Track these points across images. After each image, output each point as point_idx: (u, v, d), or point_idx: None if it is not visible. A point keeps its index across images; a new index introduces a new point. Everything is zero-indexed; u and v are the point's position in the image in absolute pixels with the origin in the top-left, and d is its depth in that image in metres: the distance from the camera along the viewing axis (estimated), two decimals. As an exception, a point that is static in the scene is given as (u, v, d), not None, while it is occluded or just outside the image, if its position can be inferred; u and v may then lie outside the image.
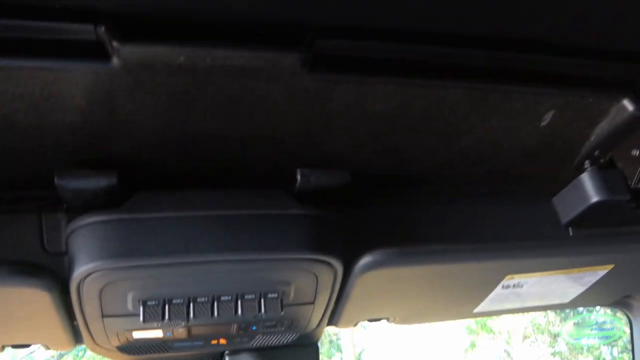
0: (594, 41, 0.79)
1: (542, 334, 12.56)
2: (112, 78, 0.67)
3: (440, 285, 1.01)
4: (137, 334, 0.98)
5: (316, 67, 0.71)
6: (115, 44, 0.63)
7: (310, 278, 0.90)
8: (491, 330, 12.87)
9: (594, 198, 0.97)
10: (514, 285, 1.03)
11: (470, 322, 13.04)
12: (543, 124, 0.92)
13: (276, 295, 0.90)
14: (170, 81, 0.69)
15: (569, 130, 0.95)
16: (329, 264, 0.88)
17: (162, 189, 0.86)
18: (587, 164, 1.02)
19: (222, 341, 1.09)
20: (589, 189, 0.99)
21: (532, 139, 0.96)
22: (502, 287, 1.03)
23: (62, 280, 0.82)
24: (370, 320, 1.16)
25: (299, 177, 0.89)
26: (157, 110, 0.74)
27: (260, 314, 0.89)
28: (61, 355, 12.10)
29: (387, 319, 1.16)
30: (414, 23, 0.70)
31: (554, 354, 12.35)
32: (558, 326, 12.37)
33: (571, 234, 1.07)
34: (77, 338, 1.01)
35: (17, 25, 0.61)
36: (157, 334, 0.99)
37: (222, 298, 0.88)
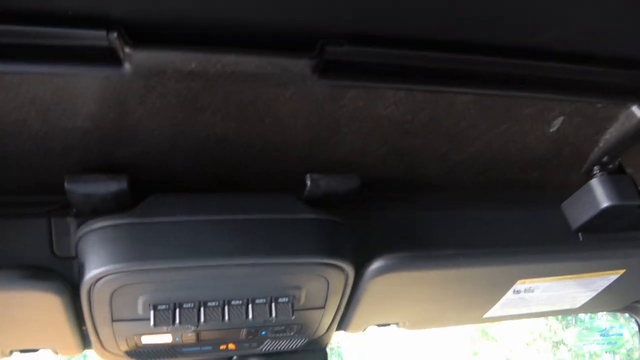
0: (603, 48, 0.79)
1: (545, 341, 12.51)
2: (123, 83, 0.67)
3: (450, 290, 1.00)
4: (146, 339, 0.97)
5: (326, 73, 0.72)
6: (127, 49, 0.63)
7: (322, 282, 0.90)
8: (493, 338, 12.82)
9: (605, 203, 0.98)
10: (524, 290, 1.03)
11: (471, 330, 13.00)
12: (552, 130, 0.92)
13: (287, 299, 0.89)
14: (180, 86, 0.70)
15: (577, 136, 0.95)
16: (340, 268, 0.87)
17: (172, 194, 0.86)
18: (596, 169, 1.02)
19: (231, 346, 1.08)
20: (599, 194, 0.99)
21: (540, 145, 0.96)
22: (513, 292, 1.03)
23: (72, 285, 0.82)
24: (380, 325, 1.15)
25: (308, 182, 0.89)
26: (167, 115, 0.75)
27: (270, 319, 0.89)
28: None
29: (397, 324, 1.15)
30: (424, 31, 0.70)
31: (556, 362, 12.29)
32: (560, 334, 12.32)
33: (581, 239, 1.07)
34: (85, 343, 1.01)
35: (29, 31, 0.61)
36: (166, 338, 0.99)
37: (233, 302, 0.88)
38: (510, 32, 0.72)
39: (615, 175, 1.01)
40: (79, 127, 0.74)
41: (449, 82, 0.79)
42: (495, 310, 1.11)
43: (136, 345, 0.99)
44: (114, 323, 0.89)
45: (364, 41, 0.70)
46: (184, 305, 0.86)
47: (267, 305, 0.89)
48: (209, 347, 1.07)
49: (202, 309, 0.86)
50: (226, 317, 0.87)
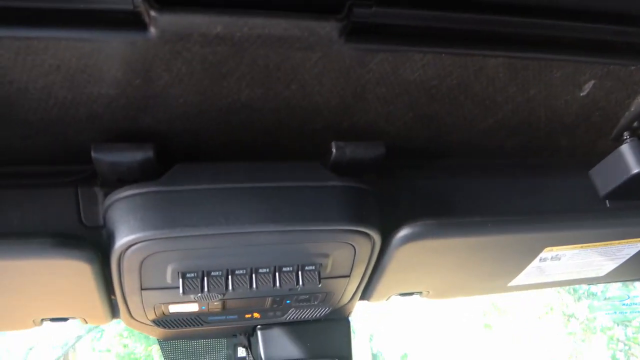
0: (637, 7, 0.76)
1: (556, 314, 12.56)
2: (149, 48, 0.66)
3: (477, 259, 1.00)
4: (174, 308, 0.98)
5: (354, 36, 0.70)
6: (152, 13, 0.62)
7: (348, 250, 0.89)
8: (504, 312, 12.89)
9: (635, 169, 0.96)
10: (551, 258, 1.02)
11: (483, 303, 13.08)
12: (582, 94, 0.90)
13: (314, 267, 0.90)
14: (206, 51, 0.69)
15: (608, 100, 0.93)
16: (367, 235, 0.87)
17: (199, 162, 0.86)
18: (626, 135, 1.00)
19: (256, 315, 1.09)
20: (630, 160, 0.97)
21: (570, 109, 0.94)
22: (540, 259, 1.02)
23: (102, 253, 0.83)
24: (403, 295, 1.15)
25: (334, 150, 0.88)
26: (192, 82, 0.74)
27: (297, 287, 0.89)
28: (79, 338, 12.38)
29: (420, 293, 1.15)
30: None
31: (568, 335, 12.36)
32: (572, 307, 12.37)
33: (609, 206, 1.06)
34: (114, 312, 1.02)
35: None
36: (193, 307, 1.00)
37: (260, 270, 0.88)
38: None
39: None
40: (105, 94, 0.74)
41: (478, 44, 0.78)
42: (520, 279, 1.10)
43: (163, 314, 1.00)
44: (142, 292, 0.90)
45: (392, 2, 0.69)
46: (212, 274, 0.86)
47: (294, 274, 0.89)
48: (234, 316, 1.08)
49: (229, 277, 0.87)
50: (254, 285, 0.87)
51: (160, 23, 0.63)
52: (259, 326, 1.19)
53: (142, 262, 0.82)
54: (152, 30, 0.64)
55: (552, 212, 0.97)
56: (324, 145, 0.89)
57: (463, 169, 1.06)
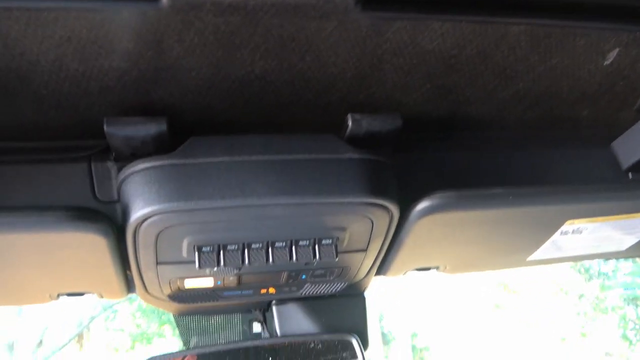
0: None
1: (566, 294, 12.57)
2: (161, 19, 0.65)
3: (496, 232, 0.98)
4: (189, 282, 0.98)
5: (370, 3, 0.68)
6: None
7: (366, 223, 0.88)
8: (514, 291, 12.92)
9: None
10: (572, 232, 1.00)
11: (493, 283, 13.11)
12: (606, 62, 0.87)
13: (330, 241, 0.88)
14: (219, 21, 0.66)
15: (633, 69, 0.90)
16: (385, 208, 0.85)
17: (213, 136, 0.84)
18: None
19: (271, 290, 1.09)
20: None
21: (593, 79, 0.91)
22: (560, 233, 1.00)
23: (117, 228, 0.82)
24: (420, 270, 1.14)
25: (349, 122, 0.86)
26: (205, 53, 0.72)
27: (314, 261, 0.88)
28: (93, 318, 12.62)
29: (437, 268, 1.14)
30: None
31: (578, 314, 12.38)
32: (582, 286, 12.36)
33: (631, 178, 1.04)
34: (129, 287, 1.02)
35: None
36: (208, 282, 1.00)
37: (277, 244, 0.87)
38: None
39: None
40: (116, 67, 0.72)
41: (499, 11, 0.75)
42: (539, 253, 1.09)
43: (179, 288, 1.00)
44: (158, 266, 0.90)
45: None
46: (228, 248, 0.85)
47: (310, 247, 0.88)
48: (250, 291, 1.08)
49: (245, 251, 0.86)
50: (270, 259, 0.86)
51: None
52: (274, 301, 1.19)
53: (157, 236, 0.81)
54: (164, 0, 0.62)
55: (575, 185, 0.95)
56: (340, 118, 0.88)
57: (482, 141, 1.04)
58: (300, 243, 0.88)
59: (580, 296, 12.52)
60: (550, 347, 11.99)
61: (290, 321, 1.18)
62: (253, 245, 0.86)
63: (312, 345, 1.16)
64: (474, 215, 0.90)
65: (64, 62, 0.70)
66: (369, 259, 1.01)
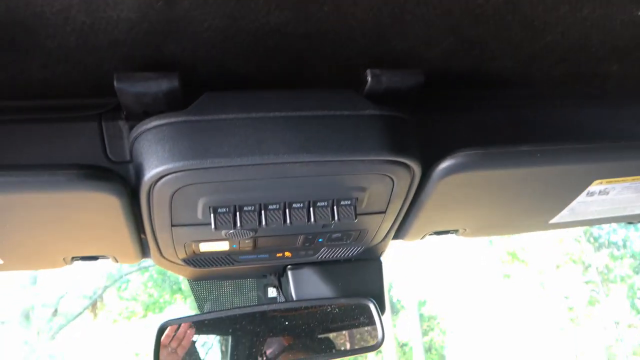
0: None
1: (575, 263, 12.60)
2: None
3: (520, 193, 0.95)
4: (204, 246, 0.96)
5: None
6: None
7: (386, 183, 0.85)
8: (523, 261, 12.95)
9: None
10: (599, 192, 0.97)
11: (502, 252, 13.14)
12: None
13: (349, 202, 0.86)
14: None
15: None
16: (407, 166, 0.82)
17: (228, 91, 0.81)
18: None
19: (287, 254, 1.07)
20: None
21: (625, 31, 0.86)
22: (587, 194, 0.97)
23: (131, 188, 0.80)
24: (438, 233, 1.12)
25: (369, 78, 0.82)
26: (218, 2, 0.68)
27: (332, 222, 0.85)
28: (106, 288, 12.86)
29: (456, 232, 1.11)
30: None
31: (586, 283, 12.43)
32: (592, 256, 12.36)
33: None
34: (144, 251, 1.00)
35: None
36: (224, 246, 0.98)
37: (294, 205, 0.84)
38: None
39: None
40: (125, 19, 0.68)
41: None
42: (563, 215, 1.05)
43: (194, 252, 0.98)
44: (173, 228, 0.88)
45: None
46: (245, 209, 0.83)
47: (329, 208, 0.85)
48: (265, 255, 1.06)
49: (262, 212, 0.83)
50: (287, 221, 0.84)
51: None
52: (289, 266, 1.18)
53: (172, 196, 0.79)
54: None
55: (604, 142, 0.91)
56: (358, 74, 0.83)
57: (506, 98, 1.00)
58: (319, 204, 0.85)
59: (589, 265, 12.53)
60: (558, 316, 12.08)
61: (306, 285, 1.17)
62: (270, 207, 0.83)
63: (329, 309, 1.15)
64: (499, 175, 0.87)
65: (70, 14, 0.66)
66: (387, 222, 0.98)
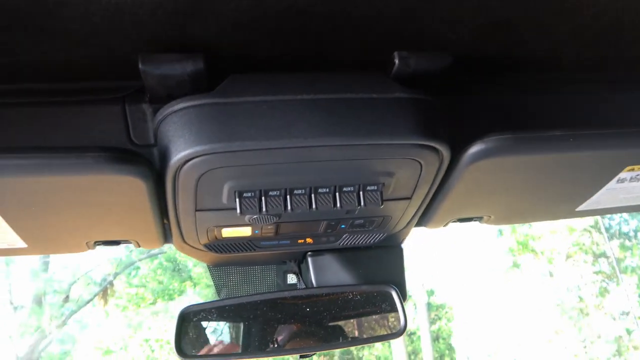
0: None
1: (586, 253, 12.52)
2: None
3: (550, 179, 0.93)
4: (227, 232, 0.95)
5: None
6: None
7: (414, 168, 0.83)
8: (533, 251, 12.90)
9: None
10: (630, 179, 0.94)
11: (512, 242, 13.08)
12: None
13: (376, 187, 0.84)
14: None
15: None
16: (436, 150, 0.80)
17: (254, 74, 0.79)
18: None
19: (309, 240, 1.06)
20: None
21: None
22: (617, 180, 0.94)
23: (156, 172, 0.79)
24: (462, 220, 1.10)
25: (396, 61, 0.80)
26: None
27: (358, 208, 0.84)
28: (116, 275, 12.97)
29: (481, 219, 1.09)
30: None
31: (596, 273, 12.36)
32: (603, 246, 12.28)
33: None
34: (166, 236, 1.00)
35: None
36: (246, 231, 0.97)
37: (320, 190, 0.83)
38: None
39: None
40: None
41: None
42: (591, 202, 1.03)
43: (216, 238, 0.97)
44: (197, 213, 0.87)
45: None
46: (270, 193, 0.82)
47: (355, 194, 0.84)
48: (287, 241, 1.05)
49: (288, 197, 0.82)
50: (313, 206, 0.83)
51: None
52: (309, 252, 1.17)
53: (198, 180, 0.78)
54: None
55: (638, 127, 0.88)
56: (385, 56, 0.81)
57: (537, 82, 0.97)
58: (345, 189, 0.84)
59: (600, 256, 12.45)
60: (567, 306, 12.04)
61: (326, 272, 1.16)
62: (295, 191, 0.82)
63: (351, 296, 1.14)
64: (530, 160, 0.85)
65: None
66: (412, 208, 0.97)
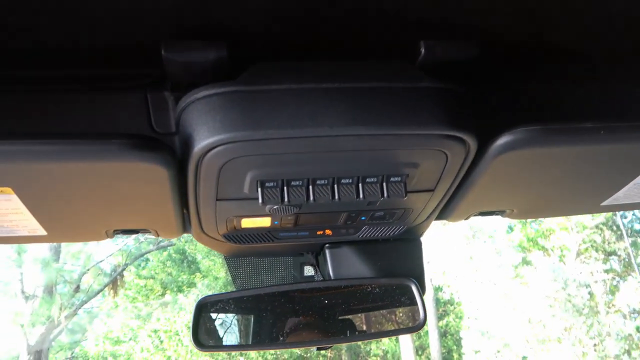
0: None
1: (597, 251, 12.42)
2: None
3: (578, 172, 0.90)
4: (246, 222, 0.94)
5: None
6: None
7: (439, 159, 0.82)
8: (543, 248, 12.81)
9: None
10: (659, 173, 0.92)
11: (522, 239, 13.01)
12: None
13: (400, 179, 0.83)
14: None
15: None
16: (463, 141, 0.79)
17: (278, 61, 0.78)
18: None
19: (328, 232, 1.05)
20: None
21: None
22: (647, 174, 0.92)
23: (178, 160, 0.78)
24: (484, 214, 1.08)
25: (422, 49, 0.78)
26: None
27: (380, 199, 0.83)
28: (126, 265, 13.07)
29: (503, 212, 1.07)
30: None
31: (607, 271, 12.26)
32: (614, 244, 12.17)
33: None
34: (185, 226, 0.99)
35: None
36: (265, 222, 0.96)
37: (343, 181, 0.82)
38: None
39: None
40: None
41: None
42: (617, 197, 1.01)
43: (235, 228, 0.96)
44: (217, 202, 0.86)
45: None
46: (292, 183, 0.80)
47: (378, 185, 0.82)
48: (306, 233, 1.04)
49: (310, 187, 0.81)
50: (335, 196, 0.81)
51: None
52: (327, 244, 1.15)
53: (220, 169, 0.76)
54: None
55: None
56: (411, 44, 0.80)
57: (566, 73, 0.95)
58: (368, 180, 0.82)
59: (611, 253, 12.35)
60: (577, 302, 11.96)
61: (344, 264, 1.15)
62: (318, 182, 0.81)
63: (370, 288, 1.13)
64: (559, 152, 0.83)
65: None
66: (434, 200, 0.95)
